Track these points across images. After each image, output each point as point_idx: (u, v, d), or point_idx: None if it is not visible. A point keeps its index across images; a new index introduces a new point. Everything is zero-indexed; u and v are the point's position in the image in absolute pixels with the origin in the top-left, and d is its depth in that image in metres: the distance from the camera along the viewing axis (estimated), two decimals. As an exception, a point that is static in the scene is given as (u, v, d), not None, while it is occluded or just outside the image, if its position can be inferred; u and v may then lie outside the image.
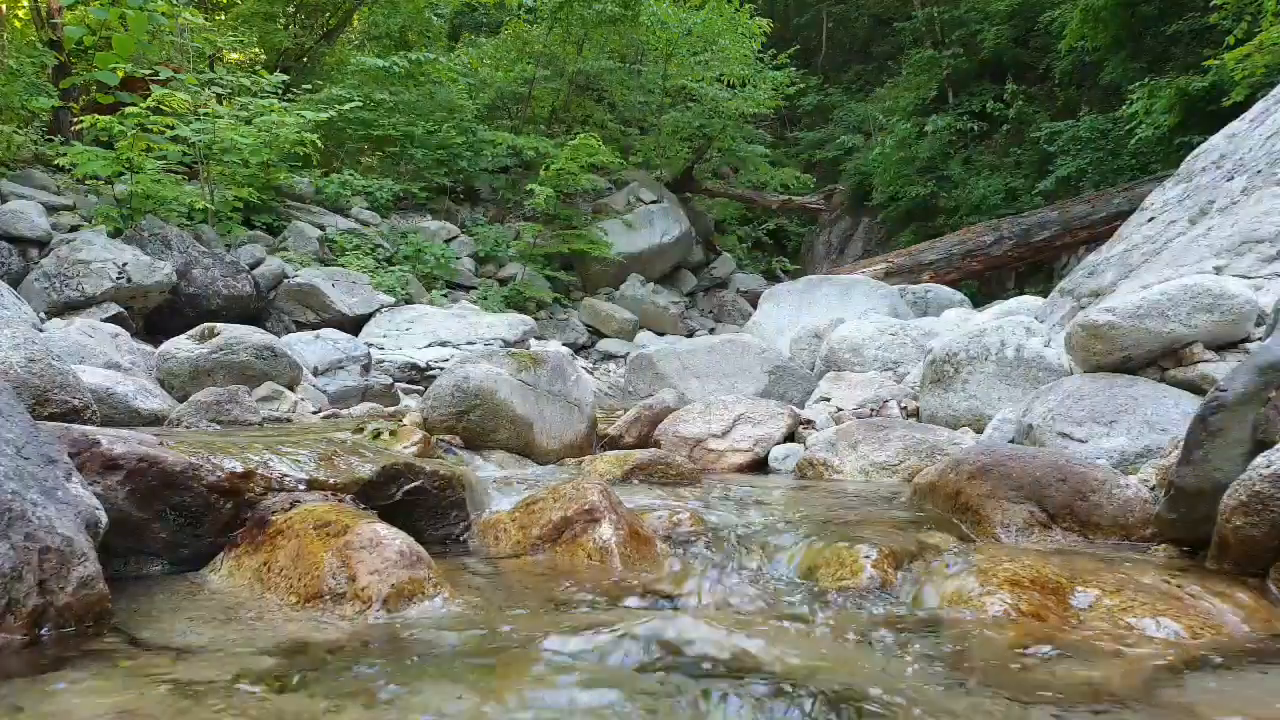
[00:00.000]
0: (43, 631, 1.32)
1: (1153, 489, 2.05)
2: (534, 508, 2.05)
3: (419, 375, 6.65)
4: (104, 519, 1.52)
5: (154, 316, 6.78)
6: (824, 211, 16.82)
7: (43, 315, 5.38)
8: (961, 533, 2.05)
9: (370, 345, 6.50)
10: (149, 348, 4.86)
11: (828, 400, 4.21)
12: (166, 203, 7.84)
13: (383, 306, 8.11)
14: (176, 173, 8.45)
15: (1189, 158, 4.56)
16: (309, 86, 10.42)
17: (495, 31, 15.59)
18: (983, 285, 12.38)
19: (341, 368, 5.48)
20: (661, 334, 10.27)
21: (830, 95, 18.99)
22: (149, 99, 7.57)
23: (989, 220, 12.61)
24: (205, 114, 8.34)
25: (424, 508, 2.03)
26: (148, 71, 8.11)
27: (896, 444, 3.03)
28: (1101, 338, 2.77)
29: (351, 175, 10.68)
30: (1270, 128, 3.97)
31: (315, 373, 5.27)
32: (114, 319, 6.00)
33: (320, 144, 9.06)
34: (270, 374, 4.21)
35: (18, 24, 10.05)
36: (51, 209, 7.45)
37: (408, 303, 8.64)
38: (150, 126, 7.67)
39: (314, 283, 7.87)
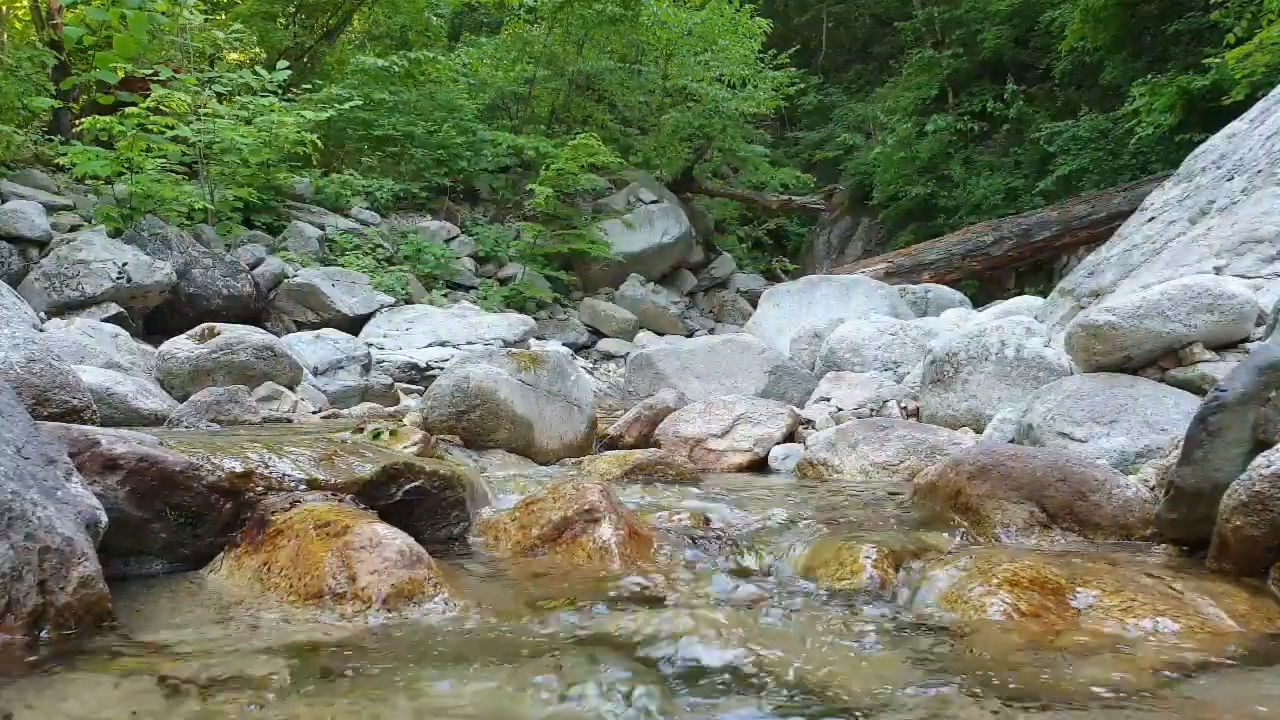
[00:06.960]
0: (43, 631, 1.32)
1: (1153, 489, 2.05)
2: (534, 508, 2.05)
3: (419, 375, 6.65)
4: (104, 519, 1.52)
5: (154, 316, 6.78)
6: (824, 211, 16.82)
7: (43, 315, 5.37)
8: (962, 532, 2.05)
9: (370, 345, 6.50)
10: (149, 348, 4.87)
11: (828, 400, 4.21)
12: (166, 203, 7.85)
13: (383, 306, 8.12)
14: (176, 173, 8.45)
15: (1189, 158, 4.57)
16: (309, 86, 10.42)
17: (495, 31, 15.59)
18: (983, 285, 12.37)
19: (341, 368, 5.48)
20: (661, 334, 10.26)
21: (830, 95, 18.99)
22: (149, 99, 7.57)
23: (989, 220, 12.62)
24: (205, 114, 8.34)
25: (424, 508, 2.03)
26: (148, 71, 8.11)
27: (896, 444, 3.03)
28: (1102, 338, 2.77)
29: (351, 175, 10.68)
30: (1270, 128, 3.98)
31: (315, 373, 5.27)
32: (114, 319, 6.00)
33: (320, 144, 9.06)
34: (270, 374, 4.22)
35: (18, 24, 10.05)
36: (51, 209, 7.46)
37: (408, 303, 8.65)
38: (150, 126, 7.67)
39: (314, 283, 7.88)
